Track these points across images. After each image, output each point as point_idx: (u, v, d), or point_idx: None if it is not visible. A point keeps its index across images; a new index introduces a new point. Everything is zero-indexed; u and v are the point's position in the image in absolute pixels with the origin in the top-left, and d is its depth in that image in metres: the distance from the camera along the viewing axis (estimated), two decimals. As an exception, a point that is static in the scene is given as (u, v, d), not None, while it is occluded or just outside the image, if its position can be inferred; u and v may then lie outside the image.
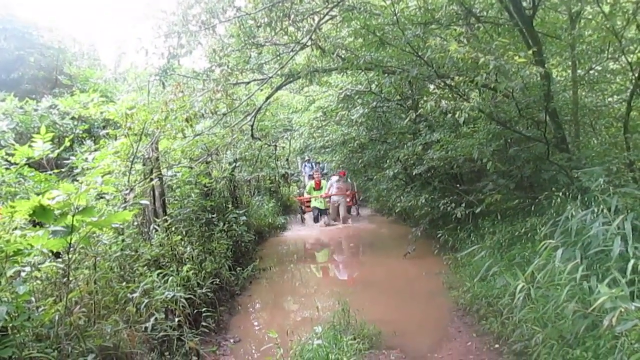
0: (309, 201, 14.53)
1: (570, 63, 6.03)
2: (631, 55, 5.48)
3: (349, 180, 14.44)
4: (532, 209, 5.58)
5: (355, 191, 15.02)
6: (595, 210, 3.87)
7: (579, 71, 6.15)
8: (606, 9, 5.25)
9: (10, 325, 3.05)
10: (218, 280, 6.26)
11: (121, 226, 4.87)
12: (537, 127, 6.08)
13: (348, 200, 14.24)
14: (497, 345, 4.48)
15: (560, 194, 4.53)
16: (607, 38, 5.35)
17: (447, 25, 6.37)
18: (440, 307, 5.91)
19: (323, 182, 14.39)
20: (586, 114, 6.43)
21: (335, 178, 13.89)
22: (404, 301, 6.25)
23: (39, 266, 3.71)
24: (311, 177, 15.57)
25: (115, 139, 6.08)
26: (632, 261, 3.18)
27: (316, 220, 14.06)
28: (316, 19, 6.62)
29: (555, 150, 5.75)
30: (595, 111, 6.58)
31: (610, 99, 6.93)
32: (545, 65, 5.17)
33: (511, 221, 6.14)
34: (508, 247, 5.66)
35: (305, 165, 17.22)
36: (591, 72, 6.39)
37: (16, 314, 3.06)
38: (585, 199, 4.30)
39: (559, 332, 3.55)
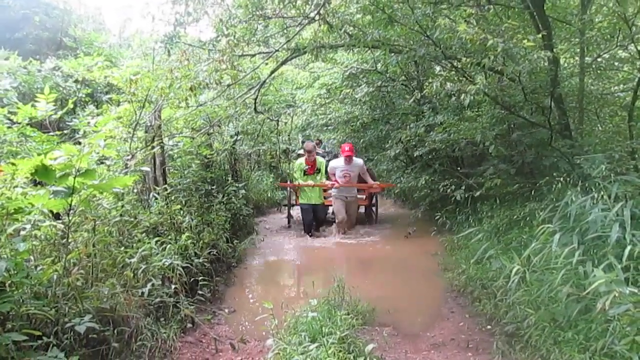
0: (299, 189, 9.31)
1: (578, 49, 5.98)
2: (641, 44, 5.44)
3: (360, 161, 8.96)
4: (532, 194, 5.59)
5: (374, 182, 9.17)
6: (595, 196, 3.88)
7: (587, 58, 6.11)
8: (619, -5, 5.19)
9: (9, 281, 3.07)
10: (215, 251, 6.28)
11: (121, 191, 4.88)
12: (541, 112, 6.06)
13: (364, 197, 9.56)
14: (489, 327, 4.52)
15: (561, 179, 4.53)
16: (618, 25, 5.31)
17: (457, 5, 6.30)
18: (435, 287, 5.96)
19: (319, 159, 9.39)
20: (591, 101, 6.42)
21: (339, 162, 8.73)
22: (399, 280, 6.29)
23: (39, 225, 3.72)
24: (301, 155, 10.71)
25: (118, 105, 6.06)
26: (628, 247, 3.20)
27: (308, 229, 9.00)
28: (326, -8, 6.54)
29: (559, 137, 5.74)
30: (601, 99, 6.56)
31: (616, 88, 6.90)
32: (554, 50, 5.13)
33: (510, 206, 6.15)
34: (505, 231, 5.68)
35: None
36: (599, 59, 6.35)
37: (15, 271, 3.09)
38: (586, 185, 4.31)
39: (552, 314, 3.58)
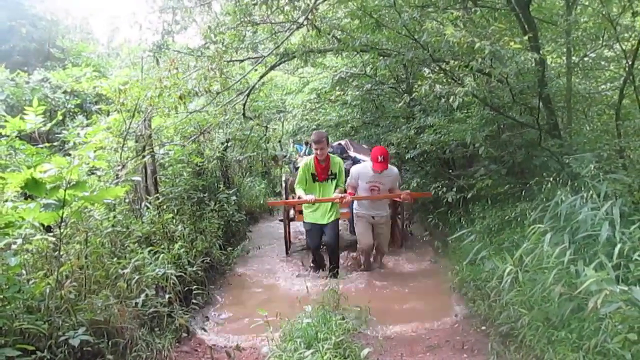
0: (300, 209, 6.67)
1: (565, 49, 6.04)
2: (625, 43, 5.50)
3: (395, 170, 6.58)
4: (523, 194, 5.62)
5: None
6: (585, 195, 3.91)
7: (573, 58, 6.17)
8: (603, -5, 5.25)
9: (1, 297, 3.06)
10: (209, 258, 6.27)
11: (113, 202, 4.87)
12: (530, 113, 6.10)
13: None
14: (483, 328, 4.54)
15: (551, 179, 4.56)
16: (603, 25, 5.36)
17: (444, 8, 6.34)
18: (429, 289, 5.98)
19: (335, 159, 6.21)
20: (579, 100, 6.46)
21: (366, 168, 6.26)
22: (393, 283, 6.29)
23: (30, 239, 3.71)
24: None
25: (108, 115, 6.05)
26: (618, 246, 3.23)
27: (317, 262, 6.60)
28: (313, -2, 6.56)
29: (548, 137, 5.78)
30: (588, 98, 6.60)
31: (603, 87, 6.96)
32: (541, 51, 5.17)
33: (501, 206, 6.16)
34: (497, 231, 5.69)
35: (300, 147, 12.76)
36: (585, 59, 6.41)
37: (7, 286, 3.07)
38: (576, 184, 4.33)
39: (545, 314, 3.60)
